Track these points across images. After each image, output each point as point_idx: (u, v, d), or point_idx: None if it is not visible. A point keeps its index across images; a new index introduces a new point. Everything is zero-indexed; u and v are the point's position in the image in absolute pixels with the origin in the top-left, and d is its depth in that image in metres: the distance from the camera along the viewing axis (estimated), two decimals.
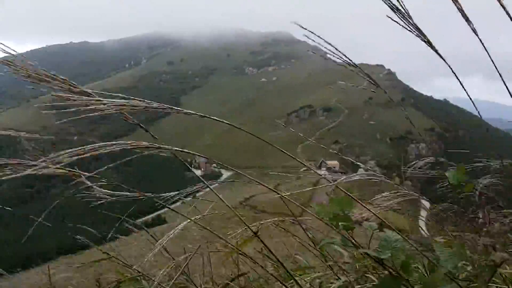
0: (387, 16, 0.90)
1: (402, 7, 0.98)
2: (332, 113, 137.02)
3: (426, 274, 1.23)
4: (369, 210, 1.27)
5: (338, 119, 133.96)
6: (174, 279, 1.60)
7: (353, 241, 1.20)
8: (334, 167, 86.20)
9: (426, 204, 1.90)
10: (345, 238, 1.22)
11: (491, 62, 1.02)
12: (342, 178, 1.24)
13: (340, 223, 1.23)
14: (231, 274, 1.81)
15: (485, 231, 1.49)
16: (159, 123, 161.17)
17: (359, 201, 1.27)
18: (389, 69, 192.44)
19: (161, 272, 1.42)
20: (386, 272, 1.10)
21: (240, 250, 1.36)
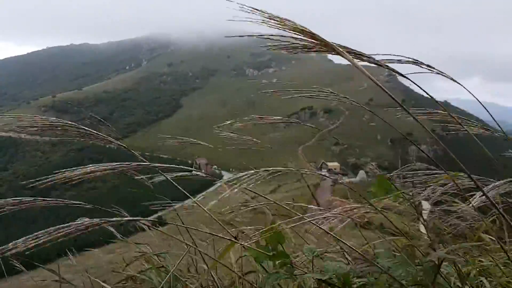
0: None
1: None
2: (333, 114, 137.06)
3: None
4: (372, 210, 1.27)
5: (339, 120, 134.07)
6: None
7: (294, 270, 1.27)
8: (335, 169, 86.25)
9: (426, 205, 1.90)
10: (289, 268, 1.27)
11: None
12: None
13: (277, 262, 1.29)
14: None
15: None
16: (159, 124, 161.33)
17: (363, 201, 1.28)
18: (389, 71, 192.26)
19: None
20: None
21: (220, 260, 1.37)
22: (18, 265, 2.07)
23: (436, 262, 1.09)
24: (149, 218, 1.32)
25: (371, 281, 1.16)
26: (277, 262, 1.28)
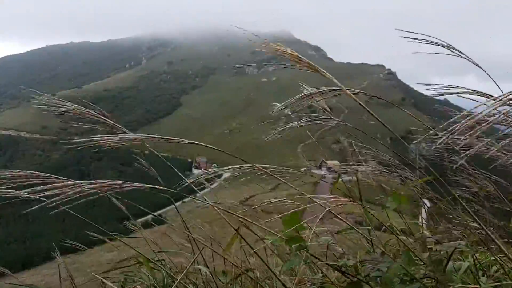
0: None
1: None
2: (332, 112, 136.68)
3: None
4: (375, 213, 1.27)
5: (338, 118, 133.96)
6: (186, 269, 1.61)
7: (310, 257, 1.24)
8: (334, 167, 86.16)
9: (427, 203, 1.91)
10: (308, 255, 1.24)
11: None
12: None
13: (293, 246, 1.25)
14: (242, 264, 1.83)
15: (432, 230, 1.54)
16: (159, 123, 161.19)
17: (358, 201, 1.29)
18: (389, 69, 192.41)
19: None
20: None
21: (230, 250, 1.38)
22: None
23: (446, 254, 1.11)
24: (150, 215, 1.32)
25: (384, 273, 1.14)
26: (293, 246, 1.25)
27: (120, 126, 1.24)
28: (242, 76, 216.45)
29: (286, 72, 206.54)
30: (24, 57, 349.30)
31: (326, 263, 1.19)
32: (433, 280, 1.09)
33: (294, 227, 1.25)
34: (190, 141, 1.22)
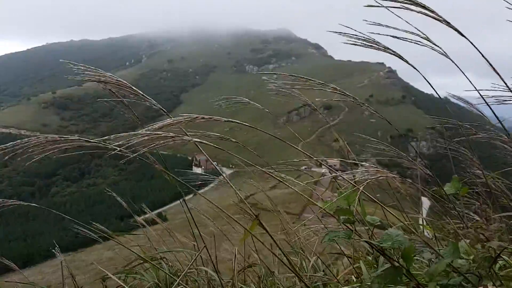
0: None
1: None
2: (333, 111, 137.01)
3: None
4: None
5: (339, 117, 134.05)
6: (190, 264, 1.61)
7: (355, 232, 1.22)
8: (335, 165, 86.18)
9: (427, 201, 1.91)
10: (349, 229, 1.23)
11: (481, 60, 1.03)
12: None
13: (341, 216, 1.24)
14: (245, 262, 1.83)
15: (483, 228, 1.52)
16: (159, 121, 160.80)
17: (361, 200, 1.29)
18: (389, 67, 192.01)
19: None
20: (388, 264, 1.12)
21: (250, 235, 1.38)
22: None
23: (494, 253, 1.11)
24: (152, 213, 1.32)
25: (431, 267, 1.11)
26: (340, 217, 1.25)
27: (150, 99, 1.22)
28: (242, 74, 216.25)
29: (287, 70, 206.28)
30: (24, 55, 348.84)
31: (370, 242, 1.14)
32: (476, 277, 1.10)
33: (347, 200, 1.25)
34: (226, 119, 1.21)
